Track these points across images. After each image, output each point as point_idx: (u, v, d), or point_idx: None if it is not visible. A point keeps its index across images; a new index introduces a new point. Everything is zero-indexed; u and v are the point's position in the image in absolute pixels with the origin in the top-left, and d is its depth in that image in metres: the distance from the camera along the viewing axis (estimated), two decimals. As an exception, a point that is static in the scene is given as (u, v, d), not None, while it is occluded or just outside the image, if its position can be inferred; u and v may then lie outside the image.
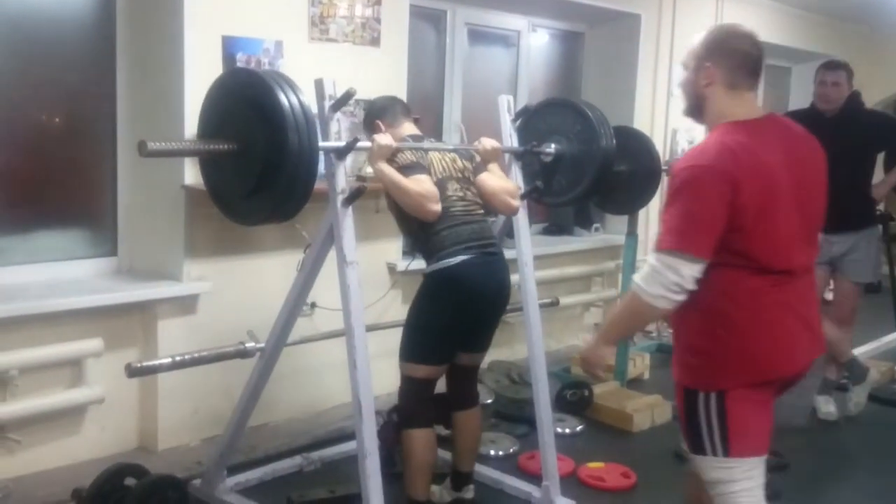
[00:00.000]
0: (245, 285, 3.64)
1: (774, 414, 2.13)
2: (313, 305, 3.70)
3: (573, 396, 4.16)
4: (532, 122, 3.44)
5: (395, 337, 2.99)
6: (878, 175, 4.36)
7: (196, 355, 2.90)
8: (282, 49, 3.63)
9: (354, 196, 2.54)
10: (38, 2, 3.34)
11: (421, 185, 2.76)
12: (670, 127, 5.89)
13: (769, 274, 2.02)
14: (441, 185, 2.85)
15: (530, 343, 3.18)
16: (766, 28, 6.63)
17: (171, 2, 3.35)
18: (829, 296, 4.49)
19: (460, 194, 2.91)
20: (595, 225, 5.64)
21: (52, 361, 3.22)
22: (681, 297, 1.98)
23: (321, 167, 2.53)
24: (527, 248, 3.21)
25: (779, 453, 3.65)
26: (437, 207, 2.78)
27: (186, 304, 3.51)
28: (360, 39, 3.94)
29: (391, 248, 4.22)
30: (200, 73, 3.24)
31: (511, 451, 3.68)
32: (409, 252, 4.09)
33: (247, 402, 3.00)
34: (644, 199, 4.51)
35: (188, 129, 3.27)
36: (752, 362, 2.05)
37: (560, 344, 5.36)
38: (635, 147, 4.37)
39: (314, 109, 2.50)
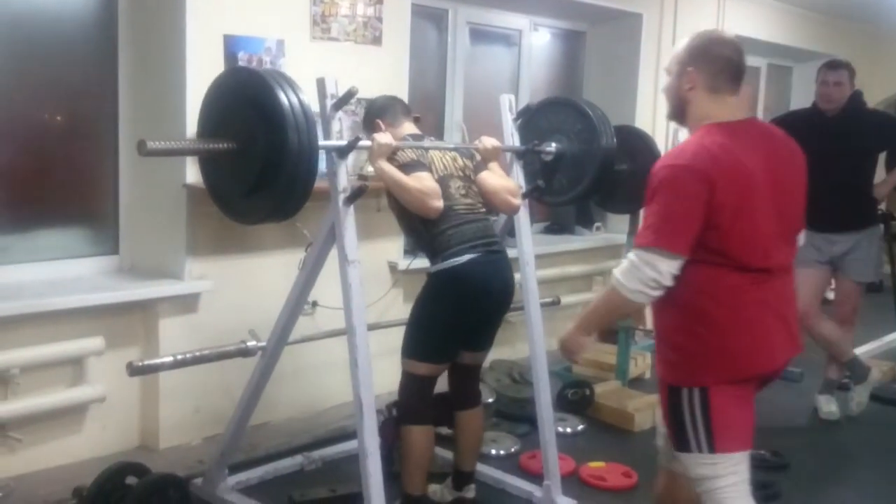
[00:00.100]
0: (246, 284, 3.64)
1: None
2: (315, 304, 3.70)
3: (574, 396, 4.16)
4: (533, 121, 3.43)
5: (396, 336, 2.99)
6: (880, 174, 4.36)
7: (197, 354, 2.90)
8: (283, 48, 3.63)
9: (356, 195, 2.53)
10: (40, 1, 3.34)
11: (422, 181, 2.76)
12: (671, 126, 5.86)
13: (748, 272, 2.06)
14: (443, 182, 2.84)
15: (531, 342, 3.18)
16: (768, 27, 6.65)
17: (173, 1, 3.35)
18: (831, 295, 4.49)
19: (463, 192, 2.91)
20: (596, 224, 5.64)
21: (54, 360, 3.23)
22: (658, 293, 2.02)
23: (322, 166, 2.53)
24: (528, 247, 3.21)
25: (779, 453, 3.65)
26: (439, 204, 2.78)
27: (188, 303, 3.51)
28: (362, 38, 3.94)
29: (392, 247, 4.22)
30: (202, 72, 3.23)
31: (512, 450, 3.68)
32: (411, 251, 4.09)
33: (248, 400, 3.00)
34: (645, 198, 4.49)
35: (190, 128, 3.26)
36: (732, 360, 2.09)
37: (561, 343, 5.35)
38: (636, 146, 4.36)
39: (316, 108, 2.50)
